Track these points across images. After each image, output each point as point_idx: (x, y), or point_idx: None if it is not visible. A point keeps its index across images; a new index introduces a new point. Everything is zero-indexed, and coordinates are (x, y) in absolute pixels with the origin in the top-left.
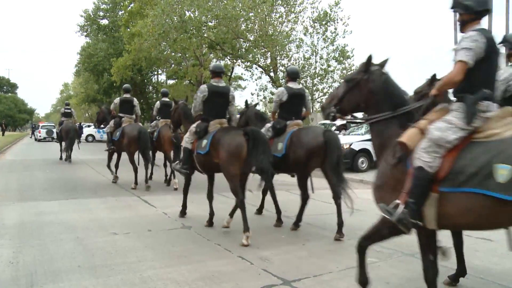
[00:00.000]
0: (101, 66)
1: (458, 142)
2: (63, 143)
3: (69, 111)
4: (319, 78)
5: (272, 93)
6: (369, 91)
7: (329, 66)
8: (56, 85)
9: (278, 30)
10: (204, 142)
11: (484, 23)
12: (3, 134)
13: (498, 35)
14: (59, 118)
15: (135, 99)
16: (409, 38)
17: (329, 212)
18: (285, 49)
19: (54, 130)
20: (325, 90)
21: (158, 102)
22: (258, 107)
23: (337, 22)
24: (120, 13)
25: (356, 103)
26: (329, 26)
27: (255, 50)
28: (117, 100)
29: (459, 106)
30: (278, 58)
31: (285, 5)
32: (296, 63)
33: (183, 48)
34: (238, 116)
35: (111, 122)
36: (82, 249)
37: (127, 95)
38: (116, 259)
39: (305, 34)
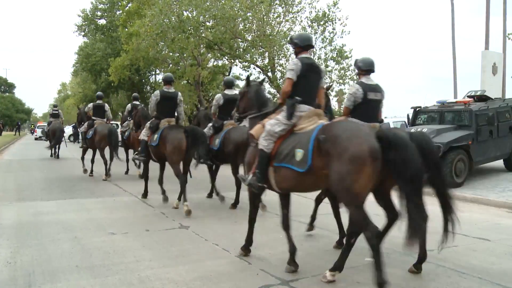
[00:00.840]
0: (99, 66)
1: (283, 133)
2: (55, 142)
3: (57, 112)
4: None
5: (269, 93)
6: (247, 99)
7: (327, 66)
8: (54, 85)
9: (276, 30)
10: (155, 136)
11: (481, 25)
12: (0, 134)
13: (496, 37)
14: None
15: (106, 105)
16: (407, 38)
17: (327, 212)
18: (283, 49)
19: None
20: None
21: (129, 104)
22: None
23: (335, 22)
24: (118, 13)
25: (243, 107)
26: (327, 26)
27: (253, 50)
28: (90, 105)
29: (284, 108)
30: (276, 58)
31: (283, 5)
32: None
33: (181, 48)
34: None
35: (85, 124)
36: (80, 249)
37: (100, 101)
38: (114, 259)
39: None
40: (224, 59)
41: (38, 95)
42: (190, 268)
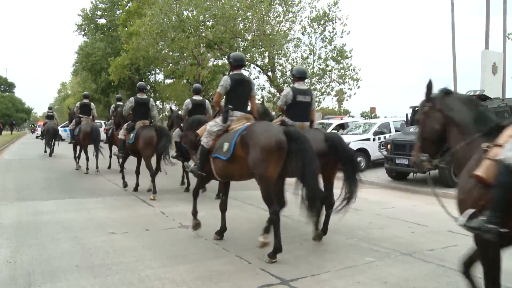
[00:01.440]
0: (99, 65)
1: (220, 132)
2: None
3: (51, 114)
4: (317, 77)
5: (269, 92)
6: (191, 127)
7: (327, 66)
8: (54, 84)
9: (276, 30)
10: (131, 135)
11: (481, 25)
12: (0, 133)
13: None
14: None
15: (92, 104)
16: (407, 38)
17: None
18: (283, 48)
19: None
20: (322, 90)
21: (112, 105)
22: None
23: (335, 22)
24: (118, 12)
25: (195, 135)
26: (327, 25)
27: (253, 50)
28: (78, 104)
29: (221, 113)
30: (276, 57)
31: (283, 5)
32: (294, 62)
33: (181, 48)
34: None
35: (73, 122)
36: (80, 248)
37: (86, 100)
38: (114, 259)
39: (303, 34)
40: (224, 58)
41: (38, 94)
42: (190, 268)
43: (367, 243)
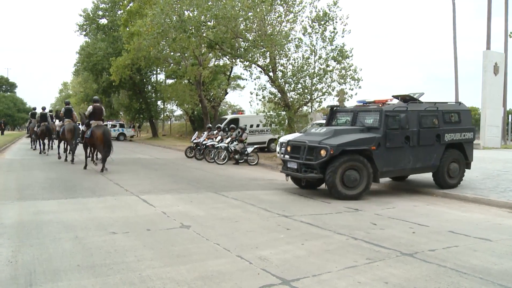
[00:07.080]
0: (100, 65)
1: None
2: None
3: (30, 119)
4: (318, 77)
5: (270, 93)
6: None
7: (328, 65)
8: (55, 84)
9: (277, 30)
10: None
11: (484, 25)
12: (2, 133)
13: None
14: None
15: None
16: (408, 38)
17: (328, 211)
18: (284, 48)
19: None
20: (324, 90)
21: (90, 106)
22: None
23: (336, 22)
24: (119, 12)
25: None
26: (328, 25)
27: (254, 50)
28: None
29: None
30: (277, 57)
31: (284, 5)
32: (295, 62)
33: (182, 48)
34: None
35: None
36: (81, 248)
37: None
38: (115, 259)
39: (304, 34)
40: (225, 58)
41: (40, 94)
42: (191, 268)
43: (368, 243)
